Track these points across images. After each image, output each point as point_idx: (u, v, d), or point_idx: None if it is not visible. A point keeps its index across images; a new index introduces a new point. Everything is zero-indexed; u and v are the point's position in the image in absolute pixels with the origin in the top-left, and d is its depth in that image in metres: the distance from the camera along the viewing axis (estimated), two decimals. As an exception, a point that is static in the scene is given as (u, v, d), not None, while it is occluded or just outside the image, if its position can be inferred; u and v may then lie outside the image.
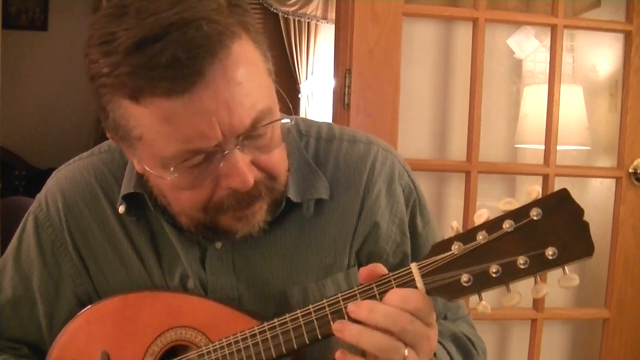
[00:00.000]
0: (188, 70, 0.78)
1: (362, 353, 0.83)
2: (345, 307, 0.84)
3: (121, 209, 1.02)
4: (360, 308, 0.82)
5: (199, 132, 0.81)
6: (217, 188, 0.88)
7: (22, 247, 1.10)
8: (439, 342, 1.01)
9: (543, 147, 2.09)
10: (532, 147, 2.25)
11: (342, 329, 0.82)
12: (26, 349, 1.11)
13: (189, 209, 0.93)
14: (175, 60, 0.77)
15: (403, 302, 0.81)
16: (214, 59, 0.79)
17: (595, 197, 2.34)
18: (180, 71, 0.77)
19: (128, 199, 1.01)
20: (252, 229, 0.94)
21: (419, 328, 0.81)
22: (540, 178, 2.09)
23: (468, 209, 2.04)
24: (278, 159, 0.93)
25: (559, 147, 2.08)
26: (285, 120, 0.91)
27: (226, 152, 0.84)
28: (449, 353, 1.02)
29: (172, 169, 0.85)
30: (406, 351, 0.80)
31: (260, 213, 0.93)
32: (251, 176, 0.86)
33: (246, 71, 0.83)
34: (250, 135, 0.85)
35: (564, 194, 0.76)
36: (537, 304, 2.11)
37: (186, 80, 0.78)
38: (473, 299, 0.80)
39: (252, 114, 0.83)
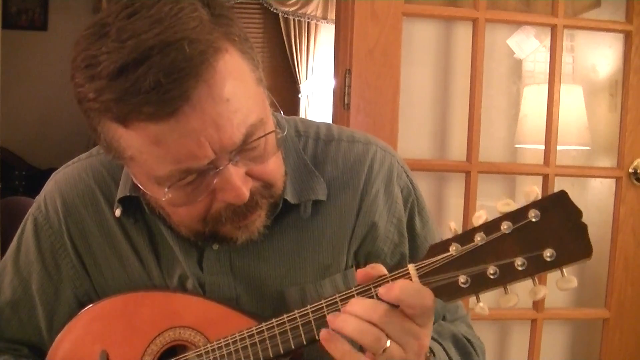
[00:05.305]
0: (171, 94, 0.77)
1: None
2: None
3: (117, 212, 1.02)
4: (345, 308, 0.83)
5: (188, 153, 0.81)
6: (213, 201, 0.88)
7: (21, 249, 1.10)
8: (439, 342, 1.01)
9: (543, 147, 2.09)
10: (532, 147, 2.25)
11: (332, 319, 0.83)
12: (26, 350, 1.11)
13: (188, 222, 0.93)
14: (157, 85, 0.76)
15: (418, 296, 0.80)
16: (198, 80, 0.78)
17: (595, 197, 2.33)
18: (164, 95, 0.77)
19: (125, 201, 1.01)
20: (252, 235, 0.94)
21: (403, 323, 0.81)
22: (540, 178, 2.09)
23: (468, 209, 2.04)
24: (273, 167, 0.92)
25: (559, 147, 2.08)
26: (278, 131, 0.91)
27: (219, 168, 0.84)
28: (448, 354, 1.02)
29: (166, 189, 0.85)
30: (388, 342, 0.80)
31: (259, 221, 0.93)
32: (246, 189, 0.86)
33: (233, 86, 0.82)
34: (242, 149, 0.85)
35: (562, 195, 0.75)
36: (537, 304, 2.11)
37: (171, 104, 0.77)
38: (471, 300, 0.80)
39: (243, 129, 0.83)
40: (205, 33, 0.80)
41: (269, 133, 0.87)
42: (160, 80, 0.76)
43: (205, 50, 0.79)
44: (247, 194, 0.86)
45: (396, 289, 0.80)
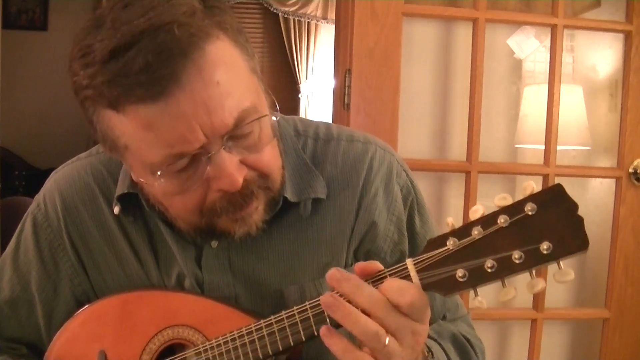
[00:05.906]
0: (160, 73, 0.78)
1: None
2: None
3: (116, 209, 1.02)
4: (348, 282, 0.80)
5: (180, 136, 0.81)
6: (208, 191, 0.88)
7: (20, 247, 1.10)
8: (438, 342, 1.01)
9: (543, 147, 2.09)
10: (532, 147, 2.25)
11: (331, 304, 0.80)
12: (25, 349, 1.11)
13: (184, 214, 0.93)
14: (147, 65, 0.77)
15: (400, 292, 0.79)
16: (187, 61, 0.79)
17: (595, 197, 2.33)
18: (152, 76, 0.78)
19: (124, 199, 1.02)
20: (250, 229, 0.94)
21: (402, 319, 0.80)
22: (540, 178, 2.09)
23: (468, 209, 2.03)
24: (269, 156, 0.92)
25: (559, 147, 2.08)
26: (272, 117, 0.91)
27: (211, 153, 0.84)
28: (446, 354, 1.01)
29: (158, 173, 0.85)
30: (387, 339, 0.79)
31: (257, 213, 0.93)
32: (240, 176, 0.86)
33: (224, 71, 0.82)
34: (235, 135, 0.85)
35: (558, 189, 0.75)
36: (537, 304, 2.11)
37: (160, 84, 0.78)
38: (470, 296, 0.80)
39: (234, 113, 0.83)
40: (196, 19, 0.81)
41: (262, 116, 0.88)
42: (149, 60, 0.77)
43: (195, 33, 0.80)
44: (240, 180, 0.86)
45: (383, 287, 0.80)
